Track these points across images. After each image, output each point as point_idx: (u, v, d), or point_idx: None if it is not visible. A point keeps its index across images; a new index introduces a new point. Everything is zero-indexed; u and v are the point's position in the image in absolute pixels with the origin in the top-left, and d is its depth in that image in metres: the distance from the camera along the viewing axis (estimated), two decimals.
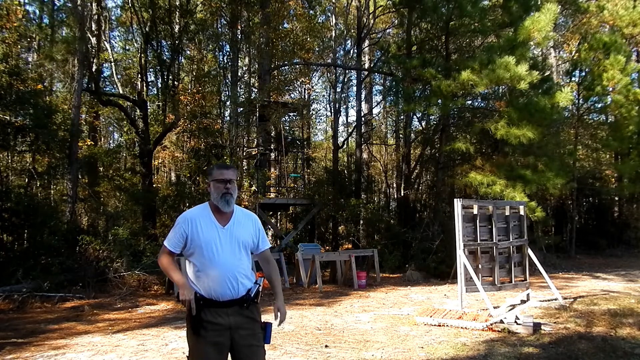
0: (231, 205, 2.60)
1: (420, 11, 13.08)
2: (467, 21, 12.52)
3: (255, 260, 2.79)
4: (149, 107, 15.42)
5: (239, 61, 17.10)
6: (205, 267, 2.52)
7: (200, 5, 15.67)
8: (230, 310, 2.52)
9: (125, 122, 18.39)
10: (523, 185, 11.03)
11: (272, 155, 17.02)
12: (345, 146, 22.01)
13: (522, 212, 8.07)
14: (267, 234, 14.73)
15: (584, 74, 16.30)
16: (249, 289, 2.59)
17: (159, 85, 16.82)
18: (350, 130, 21.65)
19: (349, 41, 21.76)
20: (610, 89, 14.48)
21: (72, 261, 9.70)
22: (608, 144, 16.06)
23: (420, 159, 17.00)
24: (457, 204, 7.20)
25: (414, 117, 17.32)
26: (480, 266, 7.40)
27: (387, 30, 21.08)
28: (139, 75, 16.11)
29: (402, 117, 18.25)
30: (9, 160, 13.76)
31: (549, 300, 8.05)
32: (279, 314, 2.72)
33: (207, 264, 2.52)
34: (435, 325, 6.25)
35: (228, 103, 15.63)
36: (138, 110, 15.83)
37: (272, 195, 15.97)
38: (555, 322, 6.41)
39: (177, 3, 15.06)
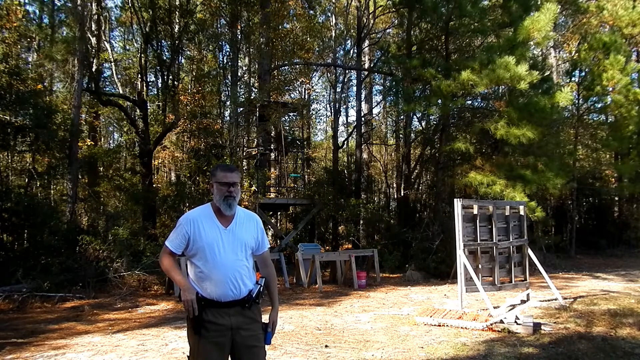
0: (233, 208, 2.60)
1: (420, 11, 13.08)
2: (466, 21, 12.51)
3: (254, 261, 2.79)
4: (149, 107, 15.42)
5: (239, 61, 17.10)
6: (208, 268, 2.51)
7: (200, 5, 15.67)
8: (232, 310, 2.52)
9: (125, 122, 18.40)
10: (523, 185, 11.02)
11: (272, 155, 17.01)
12: (345, 146, 22.00)
13: (522, 212, 8.07)
14: (267, 234, 14.68)
15: (583, 74, 16.29)
16: (251, 289, 2.59)
17: (159, 85, 16.83)
18: (350, 130, 21.65)
19: (349, 41, 21.76)
20: (610, 89, 14.47)
21: (72, 261, 9.70)
22: (608, 144, 16.05)
23: (420, 159, 17.00)
24: (457, 204, 7.20)
25: (414, 117, 17.33)
26: (480, 266, 7.40)
27: (387, 30, 21.08)
28: (139, 75, 16.11)
29: (402, 117, 18.26)
30: (9, 160, 13.77)
31: (549, 300, 8.06)
32: (271, 323, 2.70)
33: (209, 265, 2.51)
34: (435, 325, 6.25)
35: (228, 103, 15.62)
36: (138, 110, 15.83)
37: (272, 195, 15.95)
38: (555, 322, 6.41)
39: (177, 3, 15.06)
